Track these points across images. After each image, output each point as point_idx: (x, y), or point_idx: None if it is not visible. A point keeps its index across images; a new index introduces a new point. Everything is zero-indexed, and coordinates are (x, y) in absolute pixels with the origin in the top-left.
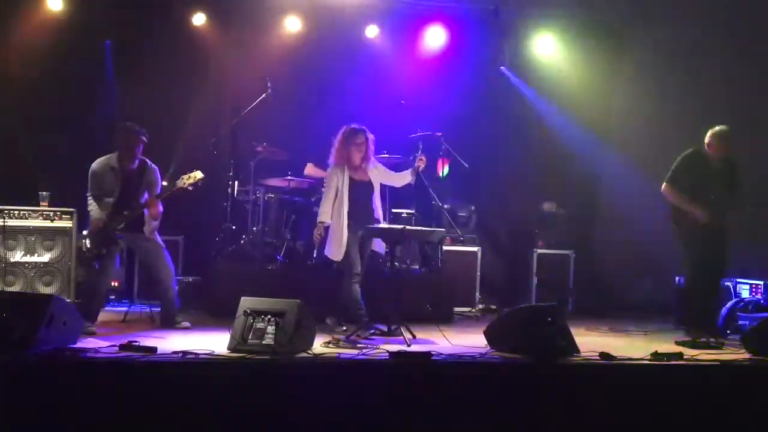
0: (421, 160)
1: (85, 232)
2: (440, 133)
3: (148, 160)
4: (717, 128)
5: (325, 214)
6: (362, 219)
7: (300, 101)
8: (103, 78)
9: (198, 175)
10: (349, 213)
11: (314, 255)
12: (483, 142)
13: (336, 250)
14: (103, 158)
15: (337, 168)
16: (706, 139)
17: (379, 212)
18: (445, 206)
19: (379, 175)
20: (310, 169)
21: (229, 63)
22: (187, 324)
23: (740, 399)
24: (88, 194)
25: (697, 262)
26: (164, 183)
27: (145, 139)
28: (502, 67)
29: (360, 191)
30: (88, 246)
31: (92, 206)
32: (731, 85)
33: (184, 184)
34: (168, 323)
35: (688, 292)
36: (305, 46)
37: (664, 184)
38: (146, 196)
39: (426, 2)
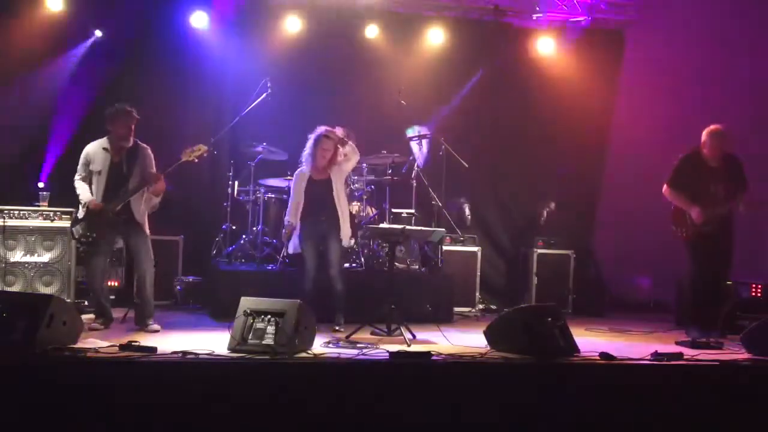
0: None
1: (80, 215)
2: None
3: (138, 141)
4: (711, 127)
5: (290, 213)
6: (318, 217)
7: (300, 101)
8: (104, 78)
9: (203, 147)
10: (304, 212)
11: (283, 254)
12: (483, 141)
13: (291, 244)
14: (96, 141)
15: (304, 169)
16: (702, 139)
17: (342, 208)
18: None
19: (338, 169)
20: None
21: (229, 63)
22: (156, 327)
23: (740, 399)
24: (76, 177)
25: (698, 261)
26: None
27: (137, 117)
28: (496, 66)
29: (318, 190)
30: (81, 232)
31: (82, 189)
32: (732, 86)
33: (189, 156)
34: (140, 321)
35: (688, 292)
36: (305, 46)
37: (665, 186)
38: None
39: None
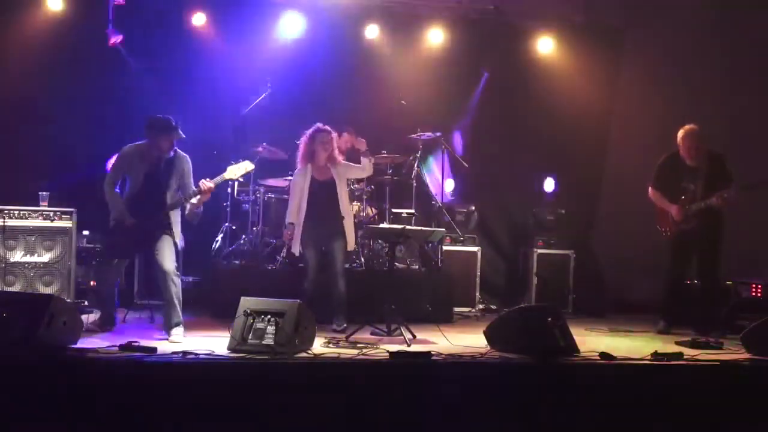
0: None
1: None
2: (440, 134)
3: (179, 149)
4: (685, 127)
5: (291, 215)
6: (322, 219)
7: (300, 101)
8: (104, 78)
9: (249, 166)
10: (307, 213)
11: (282, 254)
12: (483, 142)
13: (296, 245)
14: (134, 145)
15: (303, 169)
16: (678, 140)
17: (345, 209)
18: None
19: (344, 171)
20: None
21: (229, 63)
22: (177, 340)
23: (740, 399)
24: (107, 181)
25: (677, 259)
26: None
27: (182, 135)
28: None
29: (322, 191)
30: (116, 250)
31: (114, 198)
32: (731, 86)
33: (235, 175)
34: (165, 327)
35: (664, 287)
36: (305, 45)
37: (649, 188)
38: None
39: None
